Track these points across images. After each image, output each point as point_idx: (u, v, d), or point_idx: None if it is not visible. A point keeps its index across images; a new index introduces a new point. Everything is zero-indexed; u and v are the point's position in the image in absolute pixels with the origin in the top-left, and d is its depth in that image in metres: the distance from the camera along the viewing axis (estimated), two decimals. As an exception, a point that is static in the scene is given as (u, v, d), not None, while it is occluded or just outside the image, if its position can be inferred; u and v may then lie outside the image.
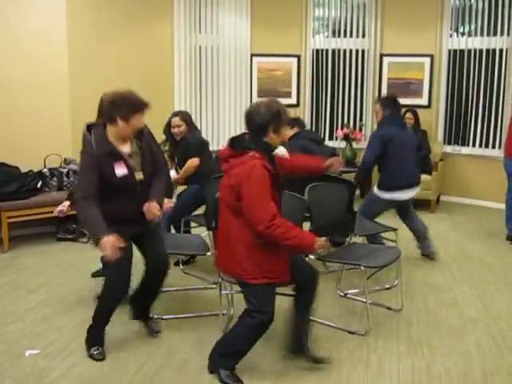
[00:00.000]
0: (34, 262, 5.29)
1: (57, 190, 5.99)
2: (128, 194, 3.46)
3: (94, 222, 3.26)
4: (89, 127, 3.54)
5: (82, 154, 3.47)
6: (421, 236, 5.40)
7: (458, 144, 7.94)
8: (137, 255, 3.65)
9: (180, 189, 5.46)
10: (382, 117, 5.21)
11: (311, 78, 8.28)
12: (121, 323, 4.00)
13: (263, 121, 3.12)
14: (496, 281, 4.94)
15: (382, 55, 8.03)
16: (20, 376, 3.30)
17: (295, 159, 3.70)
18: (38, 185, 5.86)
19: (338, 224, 4.10)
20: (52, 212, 5.71)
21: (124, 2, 6.86)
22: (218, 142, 7.92)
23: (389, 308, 4.32)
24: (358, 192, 7.35)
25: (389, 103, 5.21)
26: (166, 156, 5.15)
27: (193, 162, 5.15)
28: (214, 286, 4.30)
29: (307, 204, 3.95)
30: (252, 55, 8.01)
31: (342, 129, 7.85)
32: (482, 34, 7.58)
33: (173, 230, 5.25)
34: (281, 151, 4.24)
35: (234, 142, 3.20)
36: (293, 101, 8.28)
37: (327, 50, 8.19)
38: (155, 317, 4.07)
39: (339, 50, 8.16)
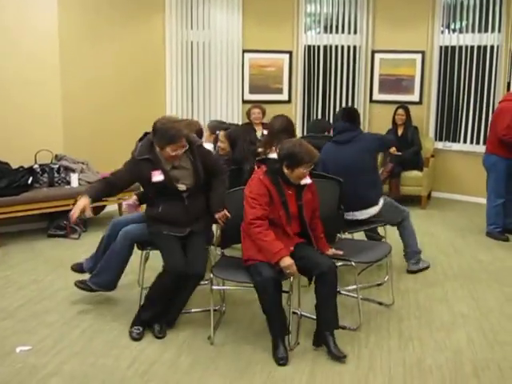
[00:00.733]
0: (25, 259, 5.26)
1: (47, 187, 5.97)
2: (172, 201, 3.85)
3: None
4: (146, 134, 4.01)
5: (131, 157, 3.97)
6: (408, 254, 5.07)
7: (449, 140, 7.96)
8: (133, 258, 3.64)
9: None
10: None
11: (303, 74, 8.28)
12: (112, 319, 4.00)
13: (281, 155, 3.66)
14: (487, 277, 4.96)
15: (373, 51, 8.04)
16: (11, 372, 3.29)
17: (317, 222, 3.94)
18: (29, 181, 5.83)
19: (330, 221, 4.11)
20: (43, 208, 5.72)
21: (115, -3, 6.84)
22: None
23: (380, 303, 4.34)
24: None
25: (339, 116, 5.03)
26: None
27: None
28: (206, 282, 4.29)
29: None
30: (244, 51, 8.00)
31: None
32: (473, 31, 7.59)
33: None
34: None
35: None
36: (284, 97, 8.27)
37: (319, 46, 8.18)
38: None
39: (331, 46, 8.16)
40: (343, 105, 8.22)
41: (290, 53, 8.17)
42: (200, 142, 4.11)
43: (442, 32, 7.79)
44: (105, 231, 4.36)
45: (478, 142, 7.70)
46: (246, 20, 7.92)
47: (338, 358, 3.46)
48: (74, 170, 6.14)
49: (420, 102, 7.97)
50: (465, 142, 7.82)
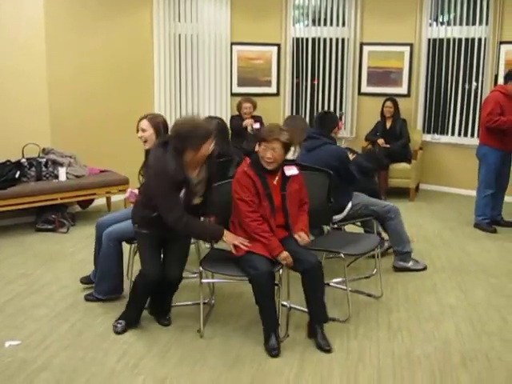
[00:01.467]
0: (13, 253, 5.23)
1: (35, 181, 5.92)
2: None
3: (206, 227, 3.75)
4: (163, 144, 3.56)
5: (160, 176, 3.46)
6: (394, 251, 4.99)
7: (437, 133, 7.99)
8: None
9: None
10: None
11: (291, 66, 8.27)
12: (101, 313, 3.99)
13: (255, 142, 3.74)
14: (475, 268, 5.00)
15: (361, 44, 8.04)
16: (0, 367, 3.27)
17: (302, 214, 3.89)
18: (16, 175, 5.78)
19: (319, 213, 4.11)
20: (31, 202, 5.68)
21: (102, -11, 6.79)
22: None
23: (369, 295, 4.36)
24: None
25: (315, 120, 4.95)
26: None
27: None
28: (195, 275, 4.29)
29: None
30: (232, 44, 7.97)
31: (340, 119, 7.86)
32: (461, 23, 7.62)
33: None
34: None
35: None
36: (273, 90, 8.27)
37: (307, 39, 8.18)
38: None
39: (319, 39, 8.15)
40: (331, 97, 8.24)
41: (279, 45, 8.16)
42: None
43: (430, 25, 7.81)
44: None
45: (465, 135, 7.74)
46: (234, 12, 7.90)
47: (325, 349, 3.49)
48: (61, 164, 6.10)
49: (408, 95, 7.99)
50: (453, 134, 7.86)
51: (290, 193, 3.74)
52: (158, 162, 3.49)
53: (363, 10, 7.95)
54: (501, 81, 6.99)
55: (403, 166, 7.41)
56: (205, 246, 4.81)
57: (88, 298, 4.19)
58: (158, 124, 4.11)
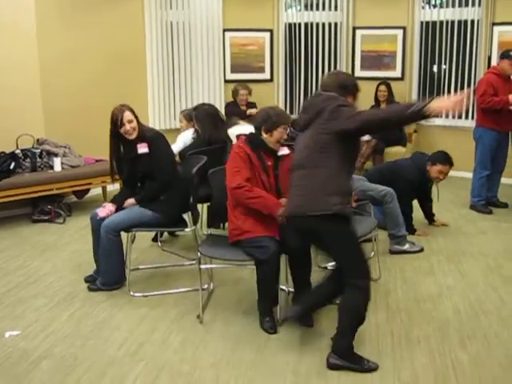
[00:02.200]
0: (10, 245, 5.22)
1: (30, 172, 5.91)
2: None
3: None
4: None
5: None
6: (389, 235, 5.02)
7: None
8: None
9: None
10: None
11: (284, 52, 8.25)
12: (100, 301, 4.00)
13: (257, 123, 3.76)
14: (471, 249, 5.02)
15: (354, 28, 8.02)
16: (1, 357, 3.28)
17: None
18: (11, 166, 5.77)
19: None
20: (26, 193, 5.67)
21: (93, -23, 6.74)
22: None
23: (367, 278, 4.36)
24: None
25: None
26: None
27: None
28: (194, 261, 4.30)
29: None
30: (224, 30, 7.95)
31: None
32: (453, 5, 7.60)
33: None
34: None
35: None
36: (266, 76, 8.26)
37: (300, 24, 8.15)
38: (136, 294, 4.08)
39: (312, 24, 8.13)
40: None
41: (271, 31, 8.13)
42: None
43: (423, 7, 7.80)
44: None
45: (460, 117, 7.74)
46: (226, -1, 7.87)
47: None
48: (56, 154, 6.08)
49: (402, 78, 7.99)
50: (447, 116, 7.86)
51: (283, 172, 3.74)
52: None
53: (355, -6, 7.93)
54: (494, 62, 7.00)
55: (398, 149, 7.41)
56: (202, 233, 4.83)
57: (92, 288, 4.19)
58: None
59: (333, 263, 4.51)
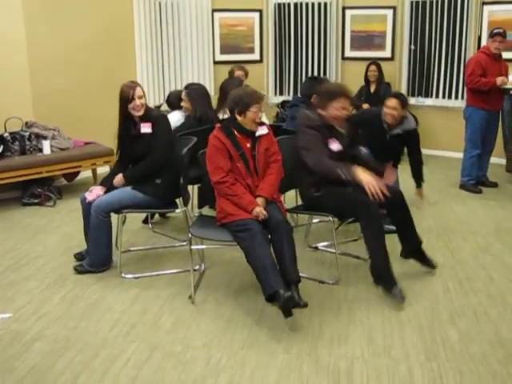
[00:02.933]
0: (0, 228, 5.20)
1: (19, 155, 5.86)
2: None
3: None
4: None
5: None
6: None
7: (421, 95, 7.99)
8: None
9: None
10: None
11: (274, 32, 8.20)
12: (92, 283, 4.00)
13: (229, 106, 3.77)
14: (461, 228, 5.06)
15: (344, 8, 7.99)
16: (-8, 339, 3.29)
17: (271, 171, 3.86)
18: (0, 150, 5.73)
19: (297, 177, 4.11)
20: (16, 177, 5.64)
21: (79, -43, 6.65)
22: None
23: (357, 257, 4.39)
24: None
25: None
26: None
27: None
28: (185, 243, 4.31)
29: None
30: (213, 10, 7.89)
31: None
32: (443, -16, 7.58)
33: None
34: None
35: None
36: (256, 56, 8.22)
37: (289, 4, 8.10)
38: (127, 276, 4.09)
39: (301, 4, 8.08)
40: (315, 62, 8.19)
41: (260, 11, 8.08)
42: None
43: (413, -14, 7.77)
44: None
45: (450, 97, 7.75)
46: (215, -22, 7.80)
47: (300, 305, 3.33)
48: (45, 137, 6.03)
49: (392, 58, 7.98)
50: (437, 96, 7.87)
51: (260, 152, 3.76)
52: None
53: (345, -27, 7.88)
54: (484, 42, 6.99)
55: (388, 129, 7.40)
56: (193, 214, 4.83)
57: (79, 270, 4.18)
58: None
59: (324, 243, 4.56)
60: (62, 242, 4.79)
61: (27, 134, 5.96)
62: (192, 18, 7.75)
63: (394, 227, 4.11)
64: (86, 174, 6.59)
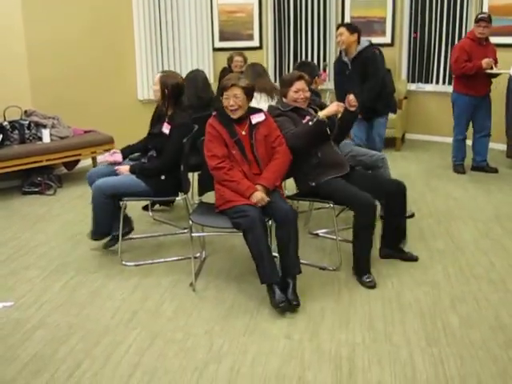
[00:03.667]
0: (0, 217, 5.19)
1: (19, 144, 5.85)
2: None
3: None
4: None
5: None
6: None
7: (421, 81, 7.96)
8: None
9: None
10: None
11: (273, 19, 8.15)
12: (94, 271, 4.01)
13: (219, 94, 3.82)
14: (461, 214, 5.06)
15: (343, -7, 7.93)
16: (-6, 327, 3.30)
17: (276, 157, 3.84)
18: (-1, 138, 5.72)
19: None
20: (16, 166, 5.63)
21: None
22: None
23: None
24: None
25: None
26: None
27: None
28: (185, 230, 4.31)
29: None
30: (212, -3, 7.84)
31: (323, 71, 7.76)
32: (443, -32, 7.52)
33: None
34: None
35: None
36: (255, 43, 8.18)
37: (288, -10, 8.04)
38: (128, 263, 4.09)
39: (301, -11, 8.02)
40: (315, 49, 8.15)
41: (260, -3, 8.03)
42: None
43: (413, -29, 7.71)
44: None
45: (450, 83, 7.68)
46: (213, -35, 7.74)
47: (293, 304, 3.41)
48: (44, 126, 6.02)
49: (392, 44, 7.92)
50: (437, 82, 7.85)
51: (258, 140, 3.74)
52: None
53: (344, -42, 7.81)
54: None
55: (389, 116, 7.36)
56: (193, 201, 4.83)
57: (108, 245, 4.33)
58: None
59: (324, 230, 4.57)
60: (63, 231, 4.80)
61: (26, 122, 5.94)
62: (191, 4, 7.70)
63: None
64: (85, 162, 6.58)
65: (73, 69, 6.60)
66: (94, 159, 6.45)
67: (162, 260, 4.17)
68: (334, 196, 3.87)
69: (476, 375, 2.78)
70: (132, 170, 4.14)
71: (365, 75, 5.25)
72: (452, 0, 7.51)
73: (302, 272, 3.55)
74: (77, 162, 6.47)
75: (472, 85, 6.04)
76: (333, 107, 3.86)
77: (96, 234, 4.25)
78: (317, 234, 4.59)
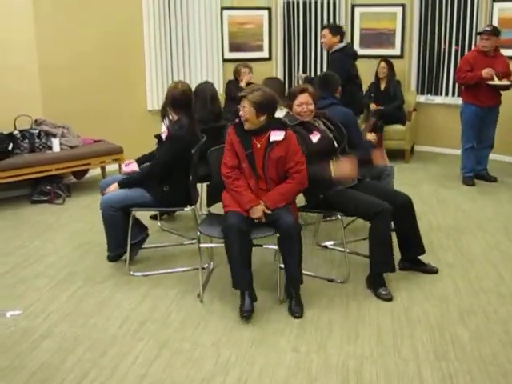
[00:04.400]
0: (9, 226, 5.22)
1: (29, 152, 5.88)
2: None
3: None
4: None
5: None
6: None
7: (431, 93, 7.96)
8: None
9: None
10: None
11: (283, 30, 8.19)
12: (101, 281, 4.02)
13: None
14: (470, 226, 5.03)
15: (353, 6, 7.94)
16: (2, 336, 3.29)
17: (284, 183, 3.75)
18: (9, 147, 5.74)
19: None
20: (25, 174, 5.66)
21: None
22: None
23: (366, 256, 4.34)
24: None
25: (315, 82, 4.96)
26: None
27: None
28: (193, 241, 4.31)
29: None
30: (222, 8, 7.87)
31: None
32: (453, -18, 7.53)
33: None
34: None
35: None
36: (265, 54, 8.19)
37: (298, 2, 8.08)
38: (136, 274, 4.09)
39: (310, 2, 8.05)
40: (324, 60, 8.16)
41: (269, 9, 8.06)
42: None
43: (422, -16, 7.73)
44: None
45: (459, 95, 7.67)
46: (224, -24, 7.78)
47: (295, 316, 3.46)
48: (54, 135, 6.05)
49: (401, 56, 7.92)
50: (447, 94, 7.83)
51: (272, 159, 3.64)
52: None
53: (354, -29, 7.85)
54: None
55: (398, 127, 7.38)
56: (201, 212, 4.83)
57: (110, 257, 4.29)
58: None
59: (333, 242, 4.55)
60: (71, 240, 4.81)
61: (37, 131, 5.98)
62: (201, 16, 7.73)
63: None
64: (95, 171, 6.61)
65: (83, 79, 6.63)
66: (103, 169, 6.48)
67: (170, 270, 4.17)
68: (346, 206, 3.86)
69: (485, 390, 2.76)
70: (120, 185, 4.13)
71: None
72: (462, 12, 7.51)
73: (302, 283, 3.58)
74: (86, 171, 6.50)
75: (476, 95, 6.10)
76: (345, 171, 3.87)
77: (112, 251, 4.22)
78: (325, 246, 4.58)
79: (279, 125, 3.73)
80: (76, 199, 5.95)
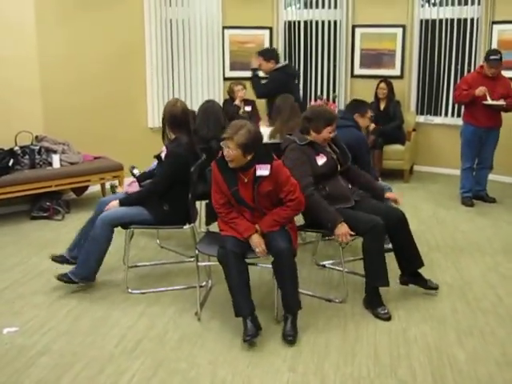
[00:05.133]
0: (8, 242, 5.22)
1: (29, 168, 5.90)
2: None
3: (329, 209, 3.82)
4: None
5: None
6: None
7: (430, 114, 8.00)
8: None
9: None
10: None
11: (283, 50, 8.24)
12: (99, 298, 4.01)
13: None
14: (469, 247, 5.03)
15: (354, 26, 8.00)
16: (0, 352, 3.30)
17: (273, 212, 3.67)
18: (10, 163, 5.76)
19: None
20: (25, 190, 5.67)
21: (92, -26, 6.72)
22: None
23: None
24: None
25: None
26: None
27: None
28: (192, 259, 4.31)
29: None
30: (224, 27, 7.93)
31: (315, 100, 7.84)
32: (453, 4, 7.59)
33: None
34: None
35: None
36: (266, 73, 8.23)
37: (299, 22, 8.14)
38: (133, 291, 4.09)
39: (311, 22, 8.12)
40: (324, 80, 8.22)
41: (271, 29, 8.12)
42: None
43: (422, 5, 7.79)
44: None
45: (459, 115, 7.72)
46: (226, -4, 7.86)
47: (287, 340, 3.40)
48: (55, 151, 6.08)
49: (401, 76, 7.97)
50: (446, 115, 7.87)
51: (261, 193, 3.57)
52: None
53: (355, -8, 7.92)
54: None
55: (397, 147, 7.40)
56: (200, 230, 4.84)
57: (61, 279, 4.05)
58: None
59: (330, 261, 4.55)
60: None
61: (37, 147, 6.01)
62: (203, 35, 7.79)
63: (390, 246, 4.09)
64: (94, 188, 6.62)
65: (84, 97, 6.67)
66: (102, 186, 6.49)
67: (168, 288, 4.16)
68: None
69: (482, 413, 2.75)
70: (120, 203, 4.12)
71: None
72: (461, 33, 7.57)
73: (300, 308, 3.54)
74: (85, 188, 6.51)
75: (474, 115, 6.17)
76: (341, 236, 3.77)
77: (79, 276, 4.03)
78: (323, 265, 4.58)
79: (264, 157, 3.59)
80: (75, 215, 5.95)
